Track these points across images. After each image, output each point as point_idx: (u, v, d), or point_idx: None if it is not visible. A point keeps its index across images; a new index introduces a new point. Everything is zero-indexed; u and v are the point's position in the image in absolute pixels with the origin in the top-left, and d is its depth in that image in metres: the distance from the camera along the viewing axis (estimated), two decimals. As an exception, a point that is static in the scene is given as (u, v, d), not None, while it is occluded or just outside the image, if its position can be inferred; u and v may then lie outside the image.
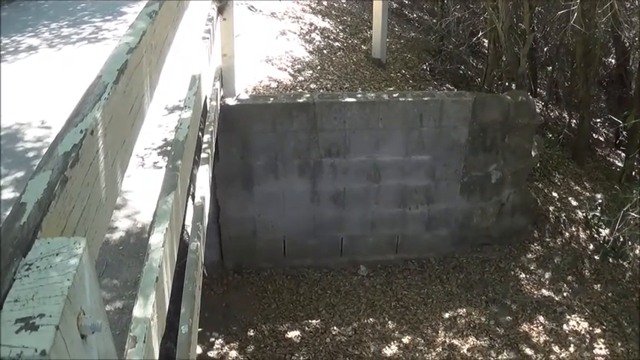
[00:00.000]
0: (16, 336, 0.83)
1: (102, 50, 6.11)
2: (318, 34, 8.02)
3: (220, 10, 5.34)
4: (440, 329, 5.95)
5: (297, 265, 6.65)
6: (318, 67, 7.05)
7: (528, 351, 5.78)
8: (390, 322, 6.01)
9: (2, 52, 6.44)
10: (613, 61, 10.20)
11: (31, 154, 4.26)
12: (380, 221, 6.63)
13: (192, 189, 3.14)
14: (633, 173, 8.61)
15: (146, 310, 1.73)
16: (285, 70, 6.88)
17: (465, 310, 6.21)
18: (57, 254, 0.97)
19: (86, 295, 1.00)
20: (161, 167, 4.12)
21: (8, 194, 3.64)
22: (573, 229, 7.32)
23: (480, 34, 9.32)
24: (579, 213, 7.56)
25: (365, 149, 6.24)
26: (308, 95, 6.15)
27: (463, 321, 6.07)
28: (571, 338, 5.98)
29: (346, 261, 6.75)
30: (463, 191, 6.63)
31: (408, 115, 6.15)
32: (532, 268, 6.79)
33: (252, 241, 6.53)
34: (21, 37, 7.03)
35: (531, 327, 6.06)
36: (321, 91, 6.50)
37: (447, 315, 6.13)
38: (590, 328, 6.12)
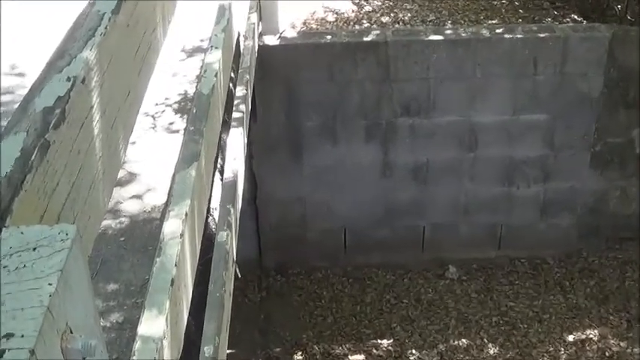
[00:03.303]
0: (-26, 366, 0.83)
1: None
2: (391, -54, 7.90)
3: None
4: (562, 357, 5.87)
5: (361, 264, 6.69)
6: (392, -7, 6.99)
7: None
8: (490, 344, 5.98)
9: None
10: None
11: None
12: (476, 205, 6.62)
13: (220, 160, 3.20)
14: None
15: (156, 324, 1.74)
16: (347, -3, 6.85)
17: (597, 331, 6.11)
18: (34, 248, 0.96)
19: (75, 306, 0.99)
20: (179, 130, 4.17)
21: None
22: None
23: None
24: None
25: (456, 105, 6.22)
26: (378, 32, 6.11)
27: (595, 347, 5.98)
28: None
29: (429, 259, 6.78)
30: (595, 164, 6.51)
31: (517, 59, 6.07)
32: (692, 273, 6.62)
33: (301, 231, 6.61)
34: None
35: (689, 356, 5.92)
36: (397, 26, 6.43)
37: (570, 337, 6.05)
38: None
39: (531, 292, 6.53)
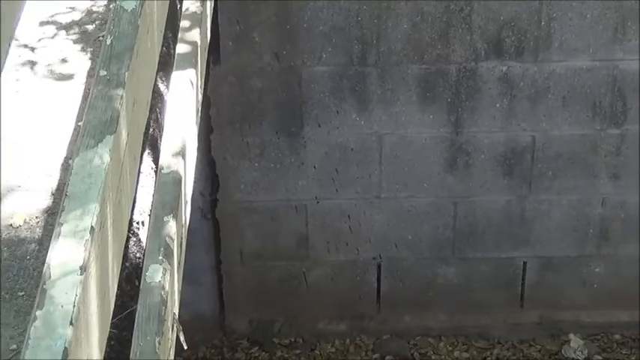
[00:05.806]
0: None
1: None
2: None
3: None
4: None
5: (409, 329, 6.63)
6: None
7: None
8: None
9: None
10: None
11: None
12: (622, 223, 6.57)
13: (153, 132, 3.34)
14: None
15: None
16: None
17: None
18: None
19: None
20: (77, 76, 4.13)
21: None
22: None
23: None
24: None
25: (588, 39, 6.13)
26: None
27: None
28: None
29: (534, 321, 6.76)
30: None
31: None
32: None
33: (299, 266, 6.66)
34: None
35: None
36: None
37: None
38: None
39: None
